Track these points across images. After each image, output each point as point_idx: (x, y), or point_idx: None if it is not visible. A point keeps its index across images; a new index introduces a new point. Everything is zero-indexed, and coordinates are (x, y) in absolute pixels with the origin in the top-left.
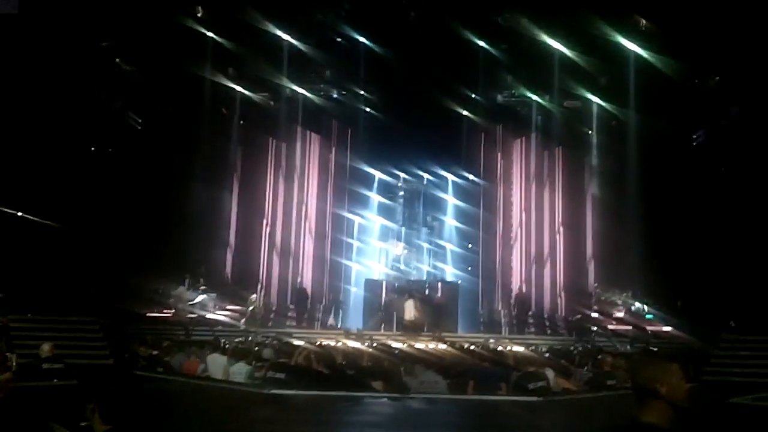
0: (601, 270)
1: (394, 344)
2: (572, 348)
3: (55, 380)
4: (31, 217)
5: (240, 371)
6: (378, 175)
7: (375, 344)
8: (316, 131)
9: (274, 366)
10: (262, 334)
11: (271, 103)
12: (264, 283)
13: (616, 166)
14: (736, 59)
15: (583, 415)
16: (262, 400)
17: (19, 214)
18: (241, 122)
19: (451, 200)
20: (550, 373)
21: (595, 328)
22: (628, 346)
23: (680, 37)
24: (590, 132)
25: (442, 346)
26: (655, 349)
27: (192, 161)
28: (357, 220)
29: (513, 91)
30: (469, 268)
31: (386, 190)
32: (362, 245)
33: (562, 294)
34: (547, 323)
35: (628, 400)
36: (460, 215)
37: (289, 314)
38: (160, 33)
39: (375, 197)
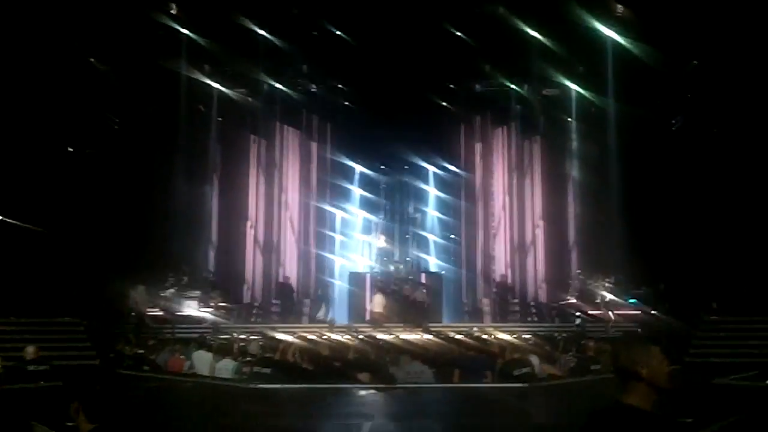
0: (584, 256)
1: (380, 336)
2: (556, 334)
3: (41, 382)
4: (12, 221)
5: (226, 367)
6: (359, 168)
7: (360, 336)
8: (295, 126)
9: (261, 361)
10: (247, 331)
11: (249, 99)
12: (248, 279)
13: (597, 153)
14: (713, 44)
15: (568, 400)
16: (250, 396)
17: (0, 218)
18: (219, 119)
19: (432, 191)
20: (534, 360)
21: (579, 314)
22: (613, 331)
23: (657, 23)
24: (570, 120)
25: (428, 337)
26: (638, 332)
27: (171, 160)
28: (339, 213)
29: (491, 81)
30: (452, 259)
31: (367, 183)
32: (345, 239)
33: (545, 281)
34: (532, 311)
35: (613, 384)
36: (442, 206)
37: (273, 309)
38: (135, 31)
39: (356, 190)
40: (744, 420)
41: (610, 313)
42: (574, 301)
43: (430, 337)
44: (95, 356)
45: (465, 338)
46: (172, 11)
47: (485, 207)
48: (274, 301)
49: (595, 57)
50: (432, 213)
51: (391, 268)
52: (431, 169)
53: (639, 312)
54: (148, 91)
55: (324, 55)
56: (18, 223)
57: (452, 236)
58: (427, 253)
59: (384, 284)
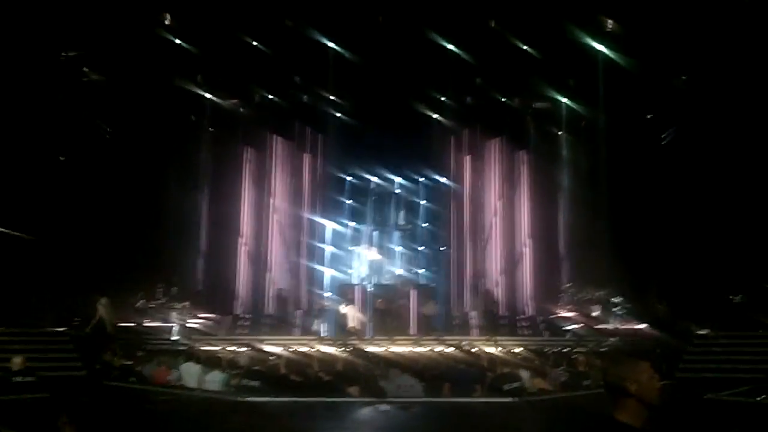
0: (574, 269)
1: (370, 349)
2: (546, 348)
3: (27, 394)
4: (1, 230)
5: (215, 379)
6: (349, 179)
7: (350, 349)
8: (286, 137)
9: (249, 373)
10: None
11: (241, 109)
12: (237, 290)
13: (587, 166)
14: (703, 58)
15: (559, 414)
16: (238, 408)
17: None
18: (211, 129)
19: (422, 203)
20: (525, 374)
21: (569, 328)
22: (604, 345)
23: (647, 36)
24: (560, 133)
25: (419, 349)
26: (628, 347)
27: (162, 170)
28: (330, 225)
29: (482, 94)
30: (442, 271)
31: (358, 194)
32: (336, 250)
33: (535, 294)
34: (522, 324)
35: (604, 400)
36: (432, 218)
37: (263, 321)
38: (127, 41)
39: (347, 202)
40: None
41: (600, 326)
42: (564, 314)
43: (421, 349)
44: (81, 367)
45: (455, 351)
46: (165, 21)
47: (475, 219)
48: (268, 313)
49: (585, 70)
50: (422, 225)
51: (382, 280)
52: (421, 180)
53: (630, 326)
54: (140, 101)
55: (316, 66)
56: (7, 231)
57: (442, 248)
58: (417, 265)
59: (376, 296)
